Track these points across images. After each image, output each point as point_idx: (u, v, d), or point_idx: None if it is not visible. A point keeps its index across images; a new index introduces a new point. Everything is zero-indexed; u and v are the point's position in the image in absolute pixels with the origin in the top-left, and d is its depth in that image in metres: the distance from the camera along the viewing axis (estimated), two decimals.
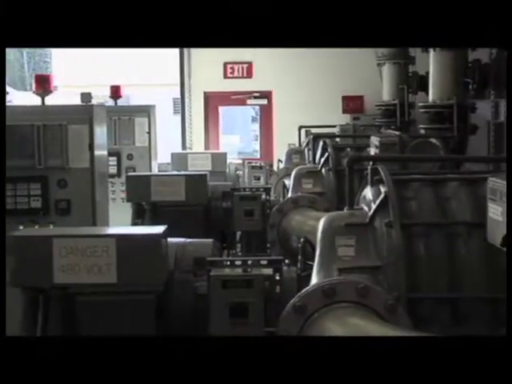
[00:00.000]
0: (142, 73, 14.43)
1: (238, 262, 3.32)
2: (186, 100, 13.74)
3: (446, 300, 3.45)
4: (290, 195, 6.57)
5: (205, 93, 13.75)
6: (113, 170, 10.01)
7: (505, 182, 2.77)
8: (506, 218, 2.46)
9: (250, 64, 13.56)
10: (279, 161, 10.52)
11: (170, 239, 3.86)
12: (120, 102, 11.06)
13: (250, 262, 3.31)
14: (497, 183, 2.83)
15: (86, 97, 7.66)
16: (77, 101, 7.76)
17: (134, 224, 6.53)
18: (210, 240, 4.22)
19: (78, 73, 13.65)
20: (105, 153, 7.92)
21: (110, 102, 10.69)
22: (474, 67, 7.71)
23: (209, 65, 13.33)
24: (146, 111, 10.48)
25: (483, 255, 3.46)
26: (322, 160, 7.00)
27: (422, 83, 9.30)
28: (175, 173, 8.19)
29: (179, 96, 13.82)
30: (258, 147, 14.17)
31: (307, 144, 8.68)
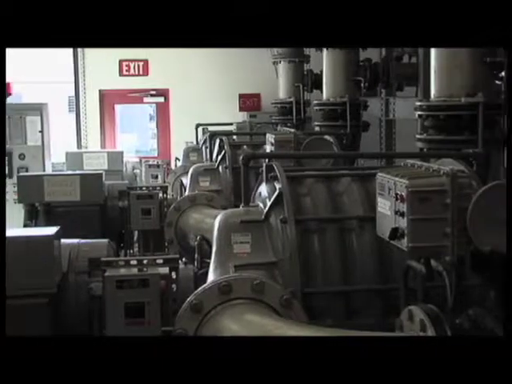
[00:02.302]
0: (35, 70, 14.00)
1: (134, 262, 3.28)
2: (81, 98, 13.43)
3: (340, 293, 3.53)
4: (187, 193, 6.55)
5: (100, 91, 13.50)
6: None
7: (393, 177, 2.85)
8: (506, 218, 2.50)
9: (145, 62, 13.42)
10: (177, 159, 10.48)
11: (63, 240, 3.79)
12: (12, 100, 10.71)
13: (145, 262, 3.28)
14: (385, 178, 2.90)
15: None
16: None
17: (26, 225, 6.36)
18: (105, 240, 4.18)
19: None
20: None
21: None
22: (365, 66, 7.89)
23: (104, 62, 13.08)
24: (38, 109, 10.20)
25: (375, 248, 3.56)
26: (219, 158, 7.02)
27: (317, 81, 9.45)
28: (69, 172, 8.02)
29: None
30: (155, 145, 14.04)
31: (204, 142, 8.68)
